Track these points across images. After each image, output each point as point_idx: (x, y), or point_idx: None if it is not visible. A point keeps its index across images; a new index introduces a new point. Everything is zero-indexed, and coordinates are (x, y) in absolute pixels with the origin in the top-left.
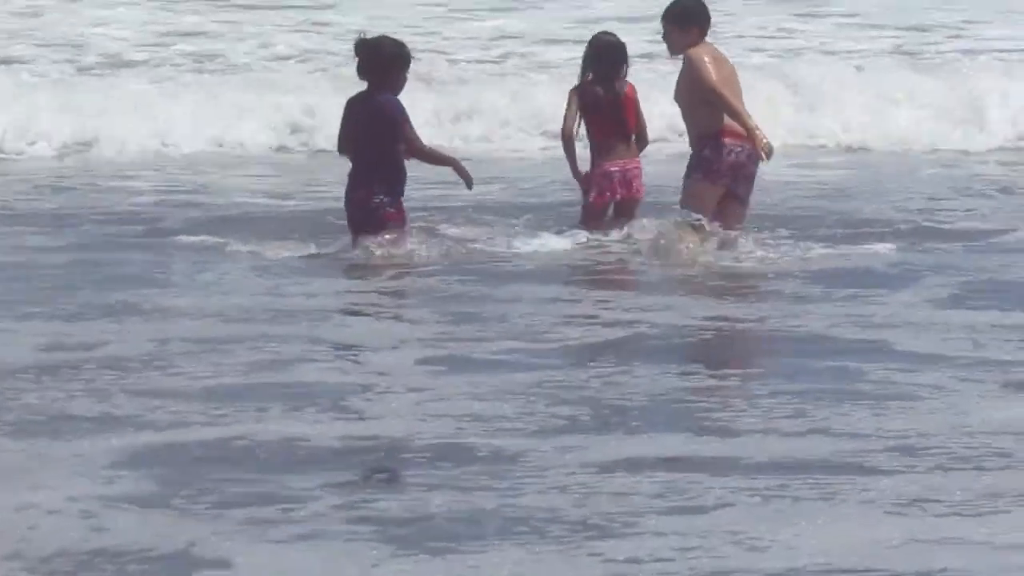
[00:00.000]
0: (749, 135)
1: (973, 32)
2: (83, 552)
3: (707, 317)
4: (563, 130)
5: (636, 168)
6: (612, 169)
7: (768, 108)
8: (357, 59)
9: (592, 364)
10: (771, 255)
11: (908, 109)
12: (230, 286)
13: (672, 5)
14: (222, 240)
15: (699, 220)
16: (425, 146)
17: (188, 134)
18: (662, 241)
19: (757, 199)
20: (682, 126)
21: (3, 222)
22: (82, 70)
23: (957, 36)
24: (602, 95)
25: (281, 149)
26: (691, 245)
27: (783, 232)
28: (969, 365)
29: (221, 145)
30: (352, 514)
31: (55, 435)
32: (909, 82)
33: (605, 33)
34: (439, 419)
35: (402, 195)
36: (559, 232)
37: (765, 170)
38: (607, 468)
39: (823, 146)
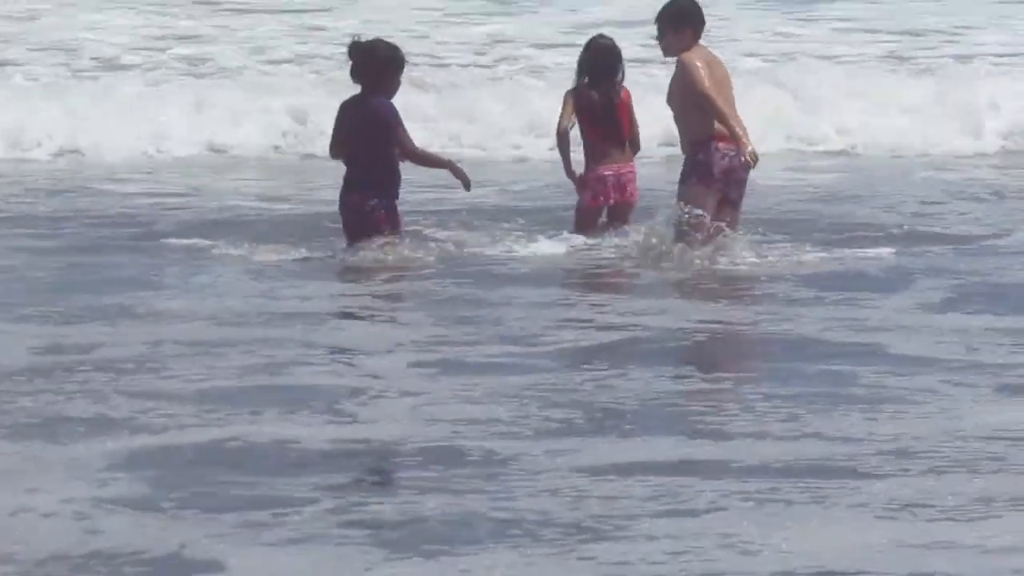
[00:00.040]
0: (735, 142)
1: (967, 37)
2: (77, 555)
3: (701, 320)
4: (557, 128)
5: (630, 172)
6: (606, 173)
7: (762, 112)
8: (351, 62)
9: (586, 367)
10: (765, 259)
11: (901, 113)
12: (224, 289)
13: (666, 6)
14: (215, 243)
15: (700, 215)
16: (418, 149)
17: (182, 137)
18: (653, 240)
19: (752, 203)
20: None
21: None
22: (76, 73)
23: (951, 41)
24: (597, 99)
25: (275, 152)
26: (689, 244)
27: (777, 236)
28: (962, 369)
29: (215, 148)
30: (345, 517)
31: (50, 438)
32: (902, 86)
33: (601, 36)
34: (433, 422)
35: (397, 199)
36: (553, 236)
37: (760, 174)
38: (600, 471)
39: (817, 150)
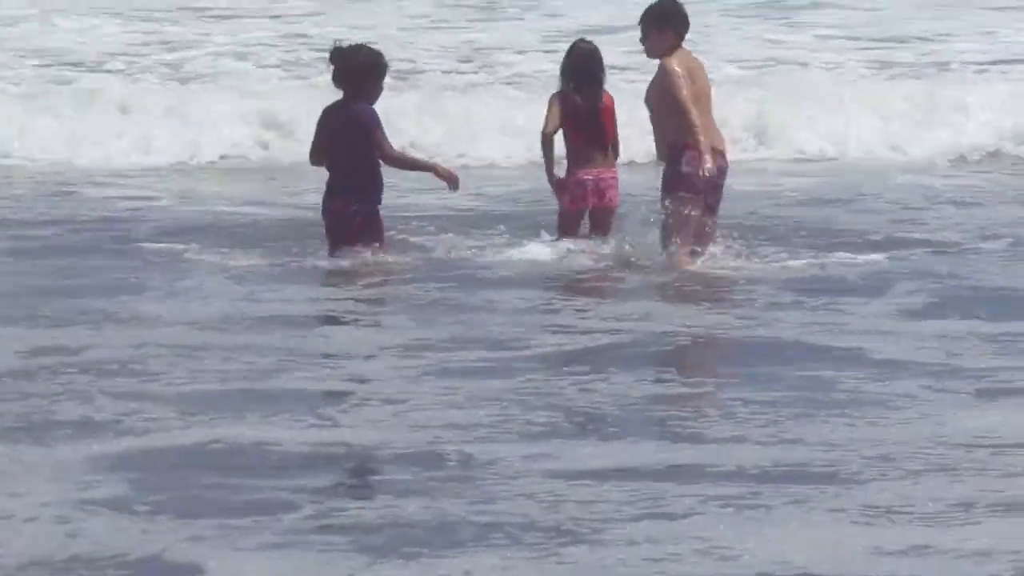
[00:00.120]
0: (696, 150)
1: (948, 45)
2: (59, 560)
3: (683, 325)
4: (542, 132)
5: (611, 178)
6: (586, 178)
7: (745, 118)
8: (333, 68)
9: (568, 371)
10: (746, 264)
11: (882, 119)
12: (207, 293)
13: (649, 8)
14: (198, 248)
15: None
16: (398, 153)
17: (165, 142)
18: (627, 247)
19: (734, 209)
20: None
21: None
22: (59, 79)
23: (933, 48)
24: (582, 104)
25: (258, 157)
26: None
27: (758, 241)
28: (942, 374)
29: (198, 153)
30: (327, 521)
31: (32, 441)
32: (883, 92)
33: (583, 41)
34: (415, 426)
35: (379, 204)
36: (535, 240)
37: (741, 180)
38: (581, 475)
39: (799, 156)
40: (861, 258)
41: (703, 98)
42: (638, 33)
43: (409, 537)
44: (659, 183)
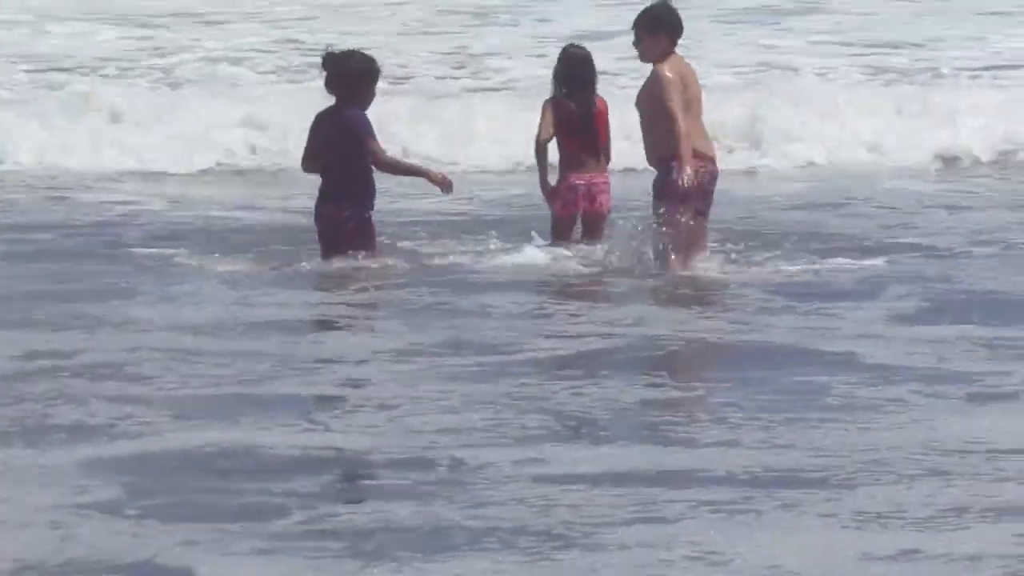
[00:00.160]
0: (679, 161)
1: (940, 51)
2: (52, 564)
3: (675, 330)
4: (536, 139)
5: (603, 183)
6: (578, 182)
7: (737, 124)
8: (325, 73)
9: (561, 376)
10: (738, 268)
11: (875, 124)
12: (200, 298)
13: (643, 12)
14: (189, 252)
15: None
16: (390, 158)
17: (157, 147)
18: (613, 258)
19: (725, 214)
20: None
21: None
22: (52, 84)
23: (924, 54)
24: (575, 109)
25: (250, 162)
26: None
27: (750, 245)
28: (934, 378)
29: (190, 158)
30: (319, 526)
31: (27, 444)
32: (876, 98)
33: (574, 46)
34: (408, 430)
35: (372, 209)
36: (528, 245)
37: (733, 185)
38: (573, 480)
39: (791, 161)
40: (853, 263)
41: (694, 104)
42: (630, 38)
43: (401, 542)
44: (651, 189)
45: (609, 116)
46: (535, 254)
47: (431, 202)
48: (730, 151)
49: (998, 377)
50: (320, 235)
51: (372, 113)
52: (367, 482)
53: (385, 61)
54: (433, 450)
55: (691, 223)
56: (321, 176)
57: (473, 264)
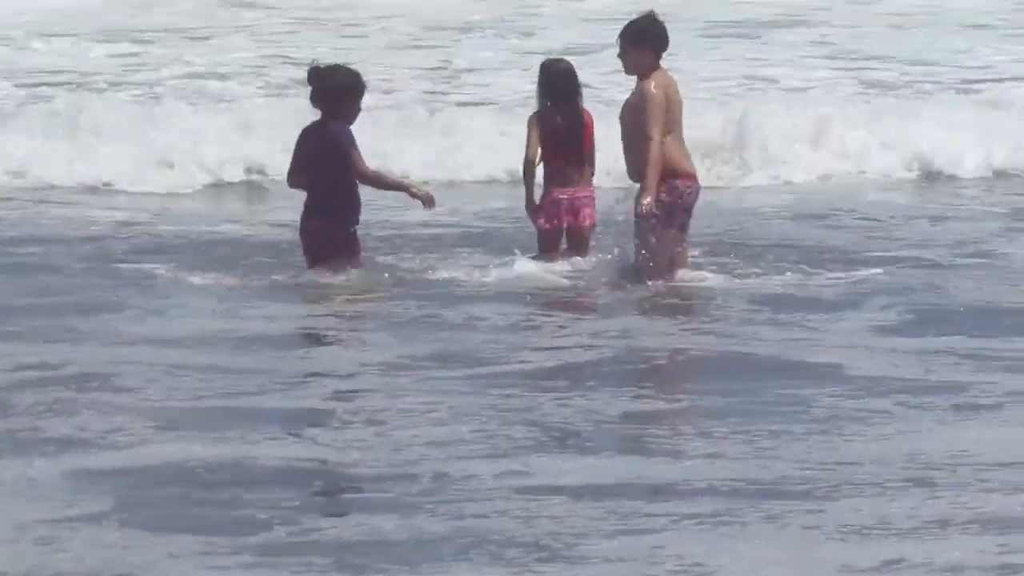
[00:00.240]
0: (642, 187)
1: (926, 63)
2: None
3: (660, 342)
4: (525, 157)
5: (587, 197)
6: (561, 197)
7: (721, 137)
8: (310, 88)
9: (547, 387)
10: (723, 281)
11: (860, 137)
12: (187, 311)
13: (628, 24)
14: (178, 266)
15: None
16: (373, 172)
17: (143, 161)
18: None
19: (709, 227)
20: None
21: None
22: (37, 98)
23: (909, 67)
24: (561, 122)
25: (237, 177)
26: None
27: (735, 258)
28: (919, 390)
29: (176, 172)
30: (305, 539)
31: (15, 457)
32: (862, 111)
33: (555, 60)
34: (395, 443)
35: (357, 224)
36: (514, 258)
37: (718, 197)
38: (557, 492)
39: (775, 175)
40: (838, 275)
41: (676, 125)
42: (615, 51)
43: (386, 554)
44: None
45: (594, 129)
46: (521, 267)
47: (417, 216)
48: (714, 164)
49: (983, 388)
50: (305, 249)
51: (357, 127)
52: (354, 495)
53: (370, 75)
54: (420, 463)
55: (672, 238)
56: (306, 191)
57: (460, 277)
